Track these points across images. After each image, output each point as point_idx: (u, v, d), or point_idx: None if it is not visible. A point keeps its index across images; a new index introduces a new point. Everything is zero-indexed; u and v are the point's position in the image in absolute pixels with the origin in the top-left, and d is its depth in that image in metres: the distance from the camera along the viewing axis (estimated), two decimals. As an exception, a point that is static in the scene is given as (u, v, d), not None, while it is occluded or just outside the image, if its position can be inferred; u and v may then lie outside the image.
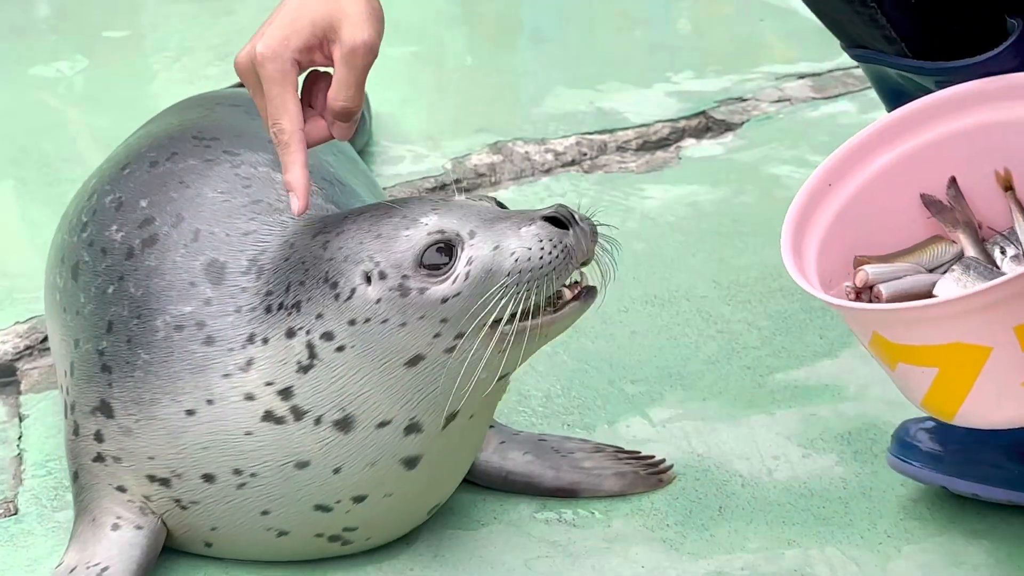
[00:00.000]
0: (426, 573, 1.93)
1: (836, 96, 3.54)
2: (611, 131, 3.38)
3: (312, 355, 1.74)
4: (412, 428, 1.76)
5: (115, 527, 1.86)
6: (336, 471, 1.78)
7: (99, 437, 1.86)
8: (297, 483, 1.79)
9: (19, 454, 2.19)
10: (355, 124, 1.80)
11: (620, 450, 2.13)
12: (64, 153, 3.31)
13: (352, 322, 1.72)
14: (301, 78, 1.81)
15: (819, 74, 3.65)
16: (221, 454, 1.79)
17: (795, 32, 4.00)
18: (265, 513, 1.82)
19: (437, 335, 1.70)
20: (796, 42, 3.91)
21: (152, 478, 1.84)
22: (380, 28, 1.75)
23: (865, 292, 1.76)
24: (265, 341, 1.77)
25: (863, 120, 3.42)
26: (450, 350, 1.71)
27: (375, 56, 1.75)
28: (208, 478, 1.81)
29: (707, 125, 3.41)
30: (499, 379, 1.76)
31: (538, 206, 2.99)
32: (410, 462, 1.79)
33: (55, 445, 2.15)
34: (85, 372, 1.88)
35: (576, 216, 1.72)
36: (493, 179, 3.17)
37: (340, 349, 1.73)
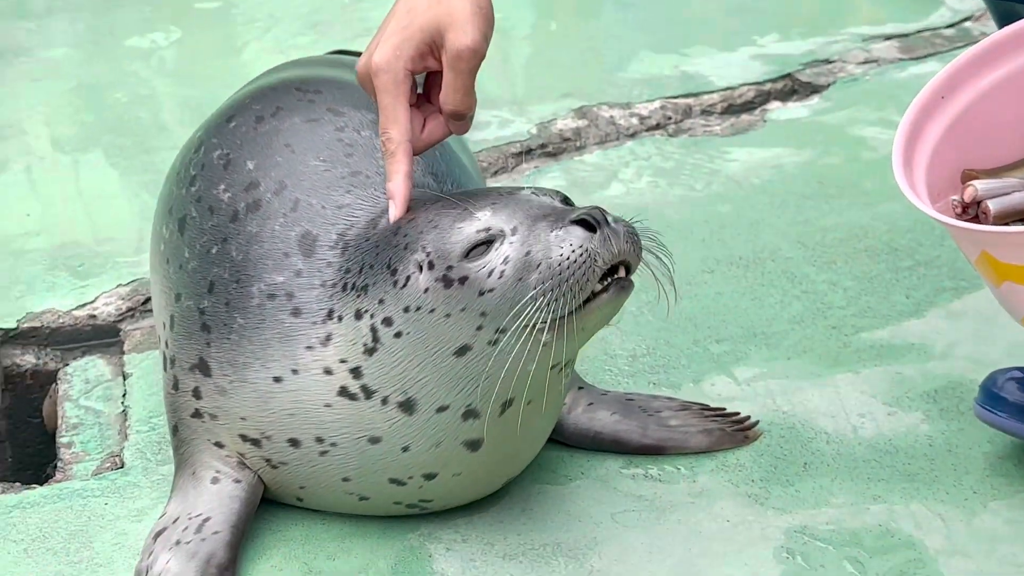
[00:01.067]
0: (515, 526, 1.97)
1: (924, 57, 3.49)
2: (696, 95, 3.38)
3: (375, 338, 1.77)
4: (469, 414, 1.78)
5: (215, 480, 1.92)
6: (405, 449, 1.82)
7: (197, 394, 1.92)
8: (372, 457, 1.83)
9: (124, 411, 2.26)
10: (470, 121, 1.82)
11: (705, 407, 2.15)
12: (159, 122, 3.38)
13: (406, 309, 1.74)
14: (420, 78, 1.84)
15: (907, 35, 3.61)
16: (305, 422, 1.84)
17: (882, -8, 3.96)
18: (346, 480, 1.87)
19: (479, 328, 1.71)
20: (883, 3, 3.87)
21: (244, 438, 1.90)
22: (486, 29, 1.77)
23: (972, 207, 1.72)
24: (340, 319, 1.80)
25: (951, 81, 3.39)
26: (493, 343, 1.71)
27: (481, 58, 1.77)
28: (294, 443, 1.86)
29: (792, 88, 3.40)
30: (552, 367, 1.75)
31: (623, 171, 3.03)
32: (472, 444, 1.82)
33: (157, 402, 2.21)
34: (185, 328, 1.94)
35: (608, 218, 1.70)
36: (578, 143, 3.18)
37: (398, 335, 1.75)
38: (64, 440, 2.20)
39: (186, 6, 4.21)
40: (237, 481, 1.92)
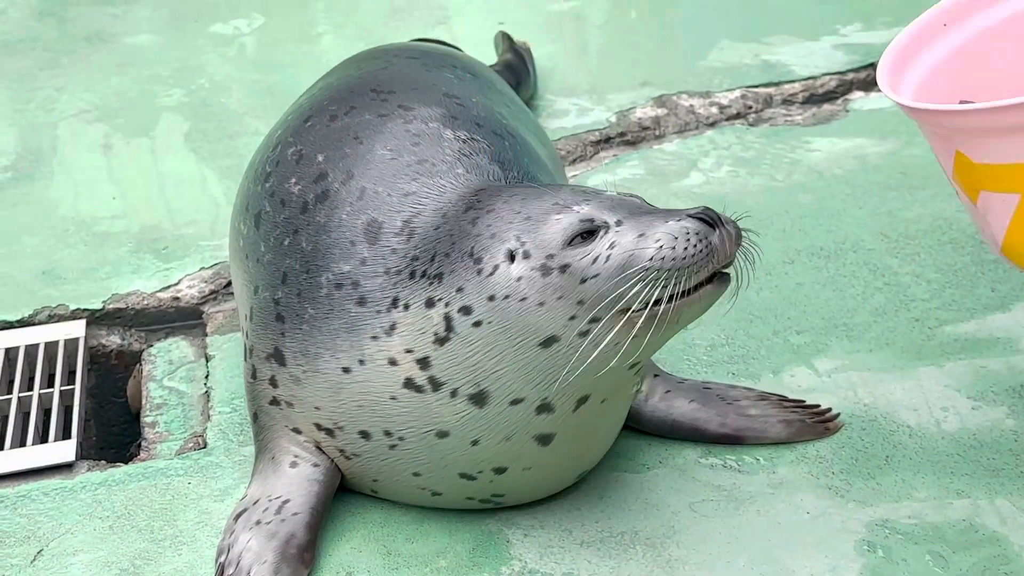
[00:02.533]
0: (592, 513, 1.97)
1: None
2: (777, 84, 3.35)
3: (449, 327, 1.76)
4: (544, 408, 1.78)
5: (293, 464, 1.94)
6: (474, 443, 1.81)
7: (274, 382, 1.94)
8: (440, 451, 1.83)
9: (206, 392, 2.29)
10: None
11: (784, 398, 2.13)
12: (242, 107, 3.41)
13: (492, 298, 1.73)
14: None
15: (994, 24, 3.56)
16: (372, 414, 1.84)
17: (969, -18, 3.89)
18: (416, 475, 1.88)
19: (572, 317, 1.70)
20: (970, -8, 3.80)
21: (319, 427, 1.91)
22: None
23: None
24: (407, 307, 1.80)
25: None
26: (584, 334, 1.70)
27: None
28: (364, 435, 1.87)
29: (875, 78, 3.36)
30: (630, 367, 1.76)
31: (703, 160, 3.01)
32: (544, 439, 1.82)
33: (239, 384, 2.24)
34: (262, 319, 1.96)
35: (723, 218, 1.70)
36: (657, 132, 3.17)
37: (477, 324, 1.75)
38: (148, 420, 2.23)
39: (268, -7, 4.25)
40: (316, 465, 1.94)
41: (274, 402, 1.95)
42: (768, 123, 3.18)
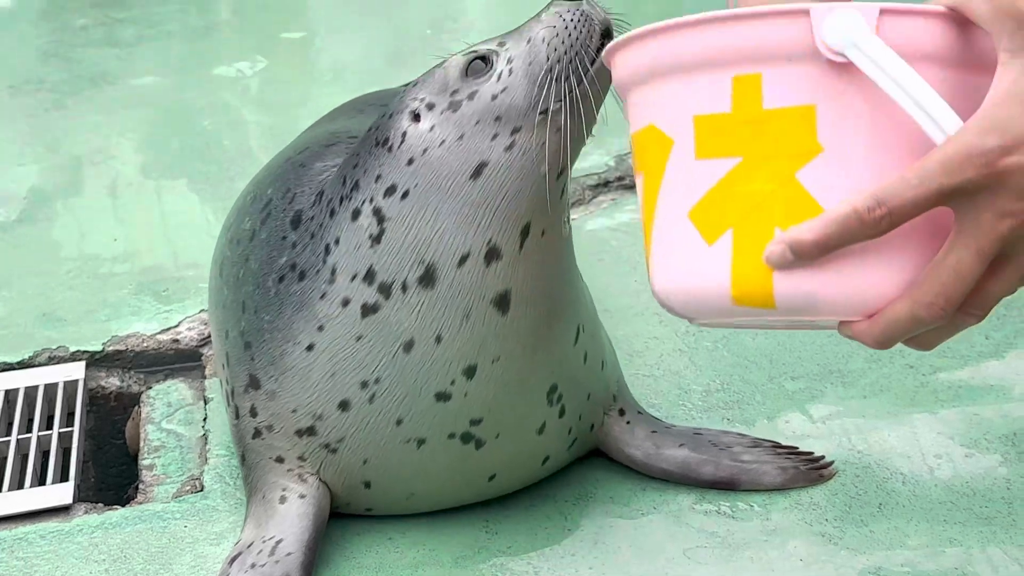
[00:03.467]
0: (587, 559, 1.97)
1: None
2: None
3: (380, 219, 1.81)
4: (492, 255, 1.79)
5: (282, 500, 1.95)
6: (438, 340, 1.82)
7: (253, 412, 1.96)
8: (412, 370, 1.84)
9: (204, 434, 2.30)
10: None
11: (778, 445, 2.14)
12: (243, 149, 3.45)
13: (411, 161, 1.79)
14: None
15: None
16: (345, 373, 1.87)
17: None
18: (400, 423, 1.88)
19: (495, 136, 1.75)
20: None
21: (300, 432, 1.92)
22: None
23: None
24: (337, 241, 1.85)
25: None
26: (510, 147, 1.75)
27: None
28: (344, 406, 1.88)
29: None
30: (557, 177, 1.77)
31: (700, 203, 3.03)
32: (501, 301, 1.82)
33: (237, 426, 2.26)
34: (236, 356, 1.99)
35: None
36: (656, 176, 3.19)
37: (405, 195, 1.79)
38: (146, 462, 2.24)
39: (272, 36, 4.30)
40: (302, 496, 1.95)
41: (256, 434, 1.97)
42: (766, 168, 3.20)
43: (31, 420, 2.39)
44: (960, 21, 1.21)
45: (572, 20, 1.73)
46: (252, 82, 3.92)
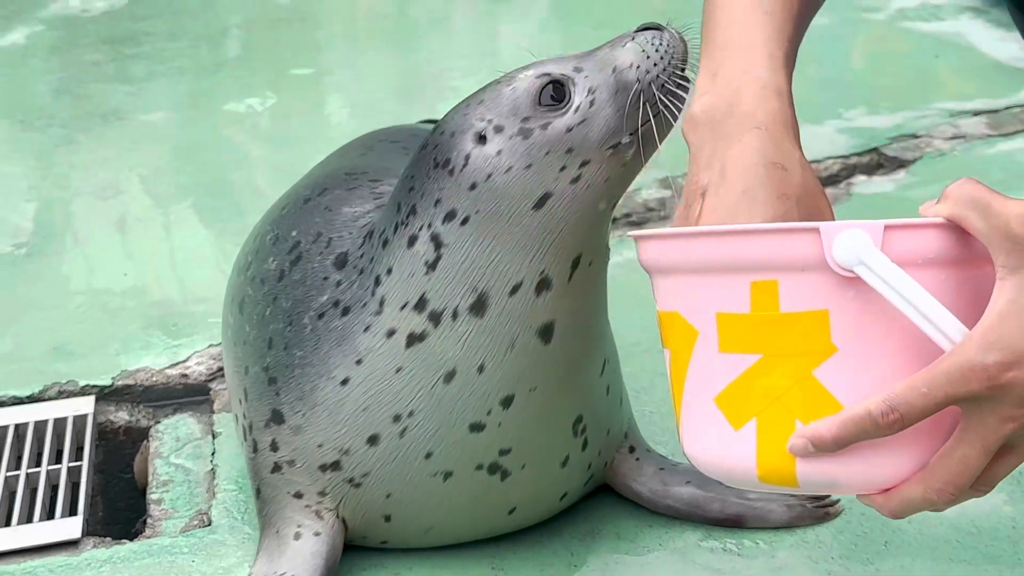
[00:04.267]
0: (593, 596, 1.98)
1: (1013, 133, 3.49)
2: (781, 167, 3.39)
3: (437, 245, 1.79)
4: (543, 284, 1.79)
5: (297, 536, 1.95)
6: (481, 369, 1.82)
7: (274, 446, 1.96)
8: (449, 401, 1.84)
9: (212, 469, 2.31)
10: None
11: (785, 482, 2.14)
12: (252, 184, 3.47)
13: (473, 186, 1.77)
14: None
15: (996, 111, 3.61)
16: (379, 407, 1.86)
17: (971, 69, 3.96)
18: (429, 456, 1.88)
19: (563, 168, 1.74)
20: (972, 79, 3.87)
21: (324, 467, 1.92)
22: None
23: None
24: (390, 271, 1.84)
25: (1040, 157, 3.37)
26: (576, 180, 1.74)
27: None
28: (373, 440, 1.88)
29: (879, 162, 3.40)
30: (611, 209, 1.80)
31: (707, 241, 3.04)
32: (545, 332, 1.82)
33: (244, 462, 2.24)
34: (256, 392, 1.99)
35: (663, 24, 1.76)
36: (663, 213, 3.21)
37: (465, 221, 1.78)
38: (154, 496, 2.25)
39: (281, 72, 4.33)
40: (317, 534, 1.95)
41: (275, 469, 1.97)
42: (772, 206, 3.21)
43: (40, 454, 2.40)
44: (958, 228, 1.32)
45: (657, 47, 1.73)
46: (262, 118, 3.95)
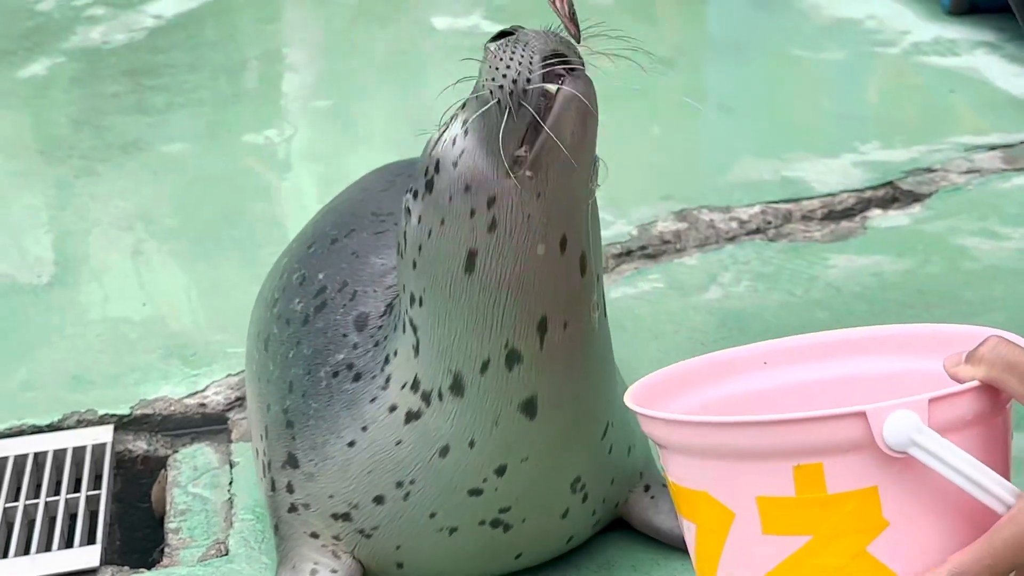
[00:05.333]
0: (608, 628, 1.98)
1: (1028, 168, 3.50)
2: (796, 200, 3.41)
3: (414, 329, 1.79)
4: (512, 357, 1.74)
5: (313, 572, 1.97)
6: (471, 444, 1.82)
7: (290, 488, 1.98)
8: (447, 473, 1.85)
9: (230, 498, 2.32)
10: None
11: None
12: (271, 215, 3.50)
13: (414, 264, 1.75)
14: None
15: (1011, 145, 3.62)
16: (383, 473, 1.88)
17: (986, 103, 3.97)
18: (433, 516, 1.89)
19: (472, 212, 1.65)
20: (987, 113, 3.88)
21: (335, 516, 1.94)
22: None
23: None
24: (396, 353, 1.86)
25: (1056, 192, 3.38)
26: (492, 226, 1.64)
27: None
28: (379, 500, 1.90)
29: (894, 195, 3.41)
30: (562, 253, 1.67)
31: (722, 274, 3.05)
32: (528, 407, 1.78)
33: (263, 491, 2.27)
34: (276, 431, 2.01)
35: (521, 27, 1.65)
36: (678, 246, 3.22)
37: (421, 303, 1.76)
38: (172, 526, 2.26)
39: (300, 104, 4.37)
40: (334, 572, 1.96)
41: (292, 509, 1.98)
42: (787, 239, 3.23)
43: (59, 483, 2.42)
44: (989, 388, 1.34)
45: (506, 56, 1.60)
46: (280, 149, 3.97)
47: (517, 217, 1.64)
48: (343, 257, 2.07)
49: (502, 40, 1.64)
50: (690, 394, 1.60)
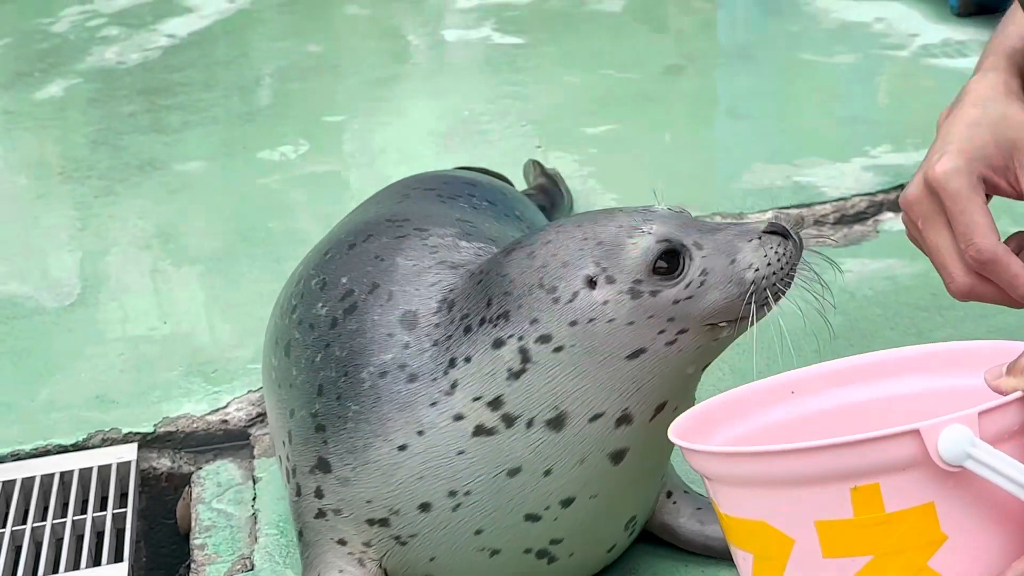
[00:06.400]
0: (630, 635, 2.00)
1: (1040, 167, 3.50)
2: (808, 205, 3.42)
3: (525, 359, 1.81)
4: (623, 420, 1.82)
5: (338, 581, 1.98)
6: (547, 473, 1.84)
7: (319, 493, 1.98)
8: (509, 492, 1.86)
9: (254, 514, 2.35)
10: None
11: (820, 520, 2.16)
12: (288, 231, 3.52)
13: (574, 323, 1.79)
14: None
15: (1021, 147, 3.62)
16: (435, 480, 1.87)
17: (996, 103, 3.96)
18: (479, 533, 1.90)
19: (662, 331, 1.78)
20: (997, 114, 3.88)
21: (371, 522, 1.94)
22: None
23: None
24: (468, 360, 1.85)
25: (1067, 191, 3.38)
26: (671, 343, 1.79)
27: None
28: (424, 507, 1.89)
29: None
30: (703, 368, 1.86)
31: (736, 280, 3.07)
32: (617, 456, 1.85)
33: (285, 506, 2.29)
34: (302, 436, 2.00)
35: (791, 229, 1.82)
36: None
37: (558, 349, 1.79)
38: (197, 542, 2.29)
39: (314, 120, 4.40)
40: None
41: (320, 514, 1.99)
42: (800, 244, 3.24)
43: (85, 501, 2.45)
44: None
45: (778, 258, 1.78)
46: (295, 165, 4.01)
47: (693, 346, 1.80)
48: (365, 260, 2.06)
49: (776, 237, 1.79)
50: (727, 427, 1.65)
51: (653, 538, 2.17)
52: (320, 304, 2.06)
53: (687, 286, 1.77)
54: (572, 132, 4.12)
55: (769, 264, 1.78)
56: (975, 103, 1.90)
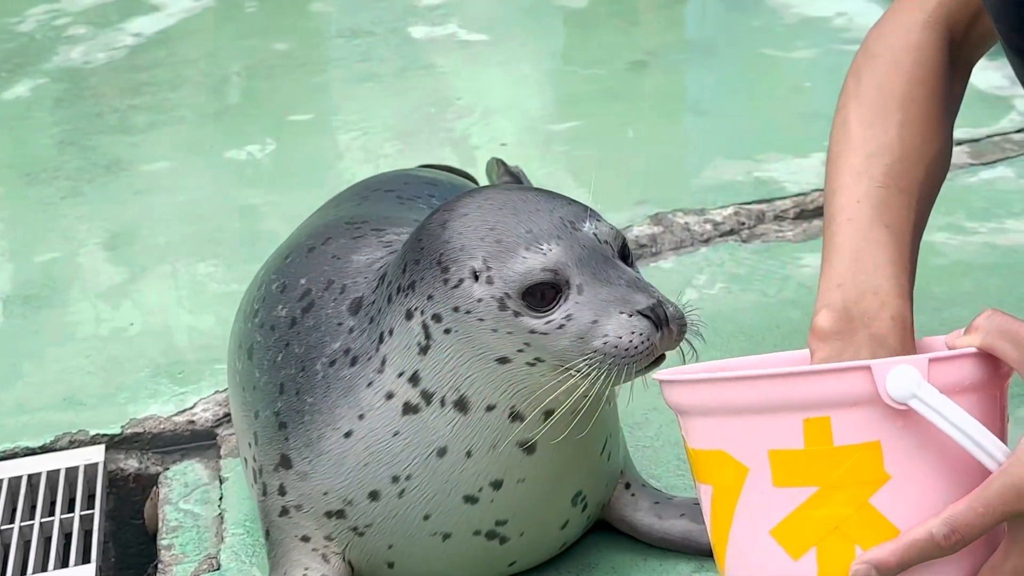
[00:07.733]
0: (590, 628, 2.04)
1: (994, 162, 3.55)
2: (769, 200, 3.46)
3: (427, 335, 1.85)
4: (515, 417, 1.86)
5: (303, 577, 2.02)
6: (468, 454, 1.88)
7: (282, 490, 2.02)
8: (443, 474, 1.90)
9: (220, 513, 2.38)
10: None
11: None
12: (255, 231, 3.54)
13: (456, 309, 1.82)
14: None
15: (977, 140, 3.67)
16: (379, 465, 1.92)
17: (952, 98, 4.01)
18: (427, 518, 1.94)
19: (521, 350, 1.81)
20: (953, 108, 3.93)
21: (329, 514, 1.98)
22: None
23: None
24: (391, 332, 1.89)
25: (1021, 186, 3.44)
26: (531, 364, 1.81)
27: None
28: (374, 496, 1.94)
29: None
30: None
31: (697, 277, 3.11)
32: (527, 447, 1.89)
33: (252, 506, 2.32)
34: (267, 436, 2.04)
35: (670, 317, 1.77)
36: (654, 249, 3.28)
37: (447, 332, 1.83)
38: (165, 542, 2.32)
39: (279, 119, 4.42)
40: None
41: (283, 512, 2.02)
42: (760, 239, 3.29)
43: (53, 503, 2.47)
44: (987, 356, 1.46)
45: (638, 344, 1.75)
46: (262, 164, 4.02)
47: (555, 376, 1.81)
48: (323, 261, 2.10)
49: (647, 323, 1.75)
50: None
51: (612, 530, 2.21)
52: (280, 306, 2.10)
53: (547, 323, 1.78)
54: (537, 129, 4.15)
55: (620, 345, 1.75)
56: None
